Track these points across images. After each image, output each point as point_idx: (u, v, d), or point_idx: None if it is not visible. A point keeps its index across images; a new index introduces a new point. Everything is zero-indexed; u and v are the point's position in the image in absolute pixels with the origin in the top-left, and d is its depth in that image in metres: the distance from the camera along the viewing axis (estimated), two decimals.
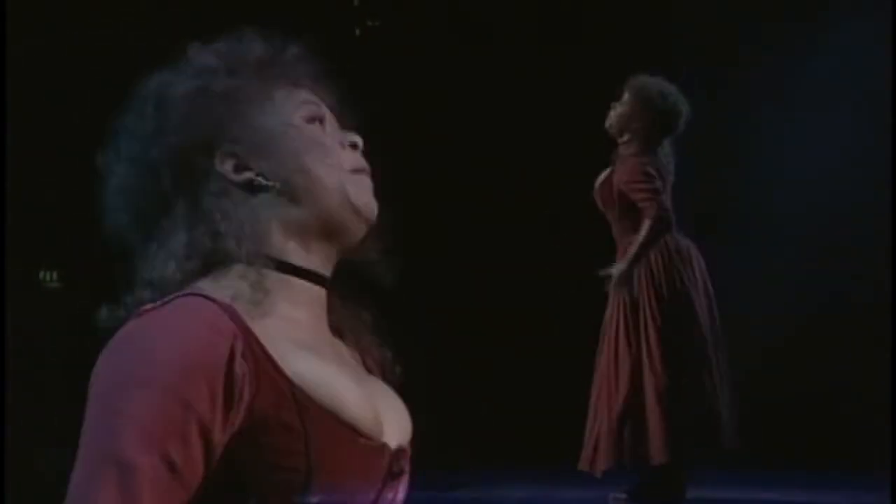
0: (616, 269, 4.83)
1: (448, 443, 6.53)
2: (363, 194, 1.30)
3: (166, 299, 1.16)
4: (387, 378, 1.37)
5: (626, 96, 4.98)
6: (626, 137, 4.97)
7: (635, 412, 4.71)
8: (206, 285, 1.19)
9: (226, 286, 1.18)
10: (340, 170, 1.29)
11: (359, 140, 1.33)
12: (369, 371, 1.36)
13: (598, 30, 7.20)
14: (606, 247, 5.02)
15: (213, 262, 1.22)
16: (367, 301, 1.37)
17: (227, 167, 1.26)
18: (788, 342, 6.61)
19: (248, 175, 1.26)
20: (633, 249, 4.78)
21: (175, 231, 1.23)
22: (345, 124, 1.35)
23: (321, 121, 1.32)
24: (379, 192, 1.32)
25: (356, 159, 1.32)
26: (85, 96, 5.02)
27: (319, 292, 1.28)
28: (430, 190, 7.27)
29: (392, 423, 1.28)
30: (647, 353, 4.74)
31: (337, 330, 1.34)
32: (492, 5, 7.34)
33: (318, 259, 1.28)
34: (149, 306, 1.16)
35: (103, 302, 1.22)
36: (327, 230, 1.27)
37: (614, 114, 4.99)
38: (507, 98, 7.25)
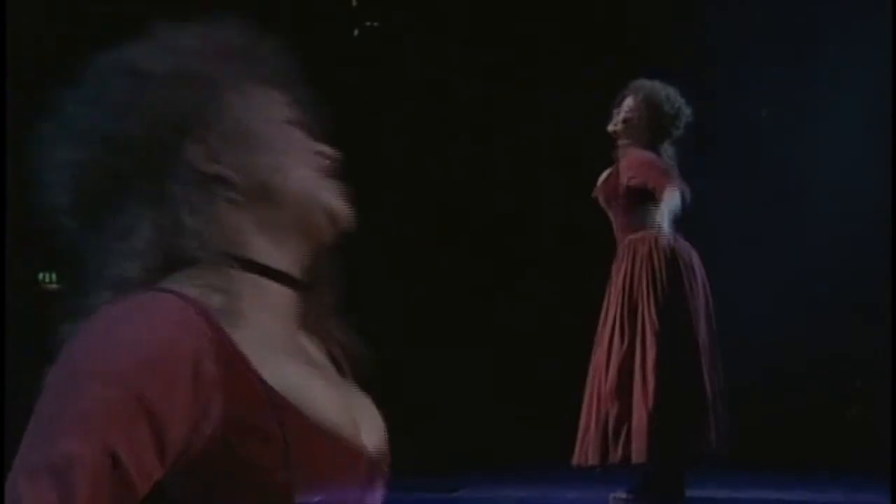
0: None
1: (447, 443, 6.53)
2: (338, 198, 1.24)
3: (136, 294, 1.10)
4: (354, 365, 1.31)
5: (630, 100, 4.96)
6: (628, 140, 4.96)
7: (622, 411, 4.72)
8: (174, 286, 1.11)
9: (197, 286, 1.12)
10: (315, 174, 1.24)
11: (330, 150, 1.27)
12: (336, 364, 1.30)
13: (596, 30, 7.21)
14: (606, 247, 5.03)
15: (174, 261, 1.14)
16: (327, 284, 1.29)
17: (197, 155, 1.17)
18: (789, 343, 6.61)
19: (219, 168, 1.18)
20: (661, 221, 4.74)
21: (137, 220, 1.15)
22: (312, 132, 1.29)
23: (297, 124, 1.26)
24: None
25: (328, 167, 1.26)
26: None
27: (290, 294, 1.22)
28: (427, 190, 7.27)
29: (368, 426, 1.24)
30: (639, 354, 4.74)
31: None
32: (490, 6, 7.33)
33: (288, 261, 1.22)
34: (118, 299, 1.10)
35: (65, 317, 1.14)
36: (299, 231, 1.22)
37: (620, 119, 4.97)
38: (506, 99, 7.25)
